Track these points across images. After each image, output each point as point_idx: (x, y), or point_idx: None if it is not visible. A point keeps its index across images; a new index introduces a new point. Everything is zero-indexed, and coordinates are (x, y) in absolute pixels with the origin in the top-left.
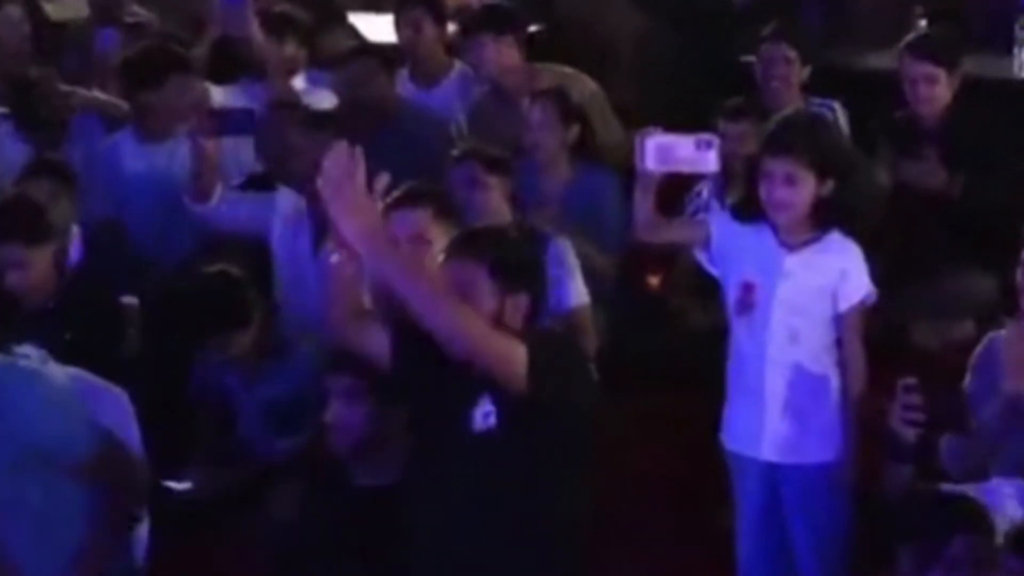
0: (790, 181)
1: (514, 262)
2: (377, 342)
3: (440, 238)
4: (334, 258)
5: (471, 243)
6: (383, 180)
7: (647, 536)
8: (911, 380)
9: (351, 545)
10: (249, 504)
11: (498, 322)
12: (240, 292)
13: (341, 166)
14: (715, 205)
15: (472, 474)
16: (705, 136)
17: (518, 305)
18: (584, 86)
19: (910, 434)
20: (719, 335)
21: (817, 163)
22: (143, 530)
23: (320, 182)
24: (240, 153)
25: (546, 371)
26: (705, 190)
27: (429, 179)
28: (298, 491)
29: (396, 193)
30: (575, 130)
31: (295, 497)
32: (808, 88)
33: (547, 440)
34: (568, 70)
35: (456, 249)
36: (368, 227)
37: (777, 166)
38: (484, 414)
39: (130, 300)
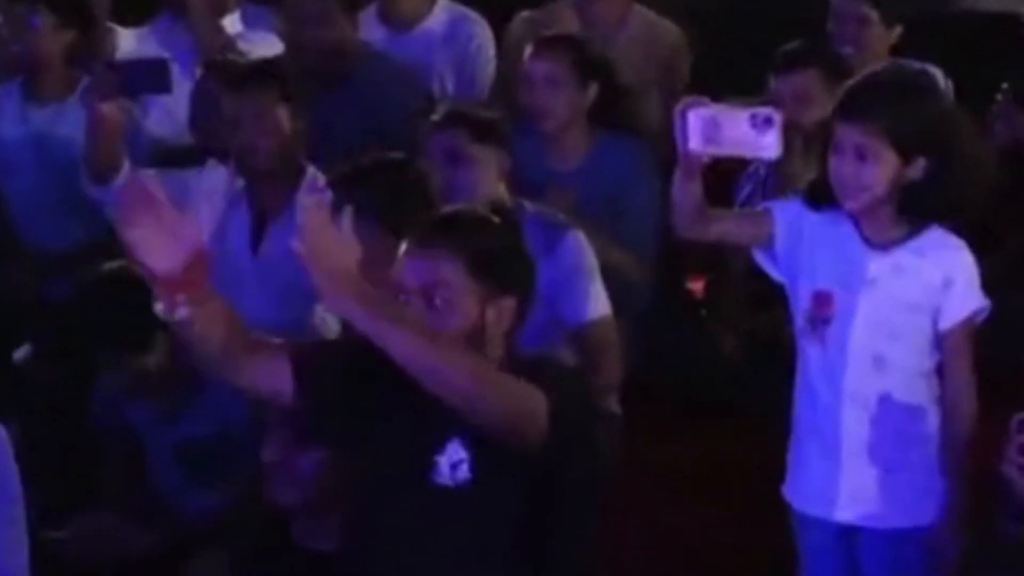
0: (861, 155)
1: (500, 255)
2: (275, 378)
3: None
4: (156, 306)
5: (443, 231)
6: (318, 182)
7: None
8: None
9: None
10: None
11: (478, 335)
12: (142, 299)
13: (318, 219)
14: (772, 190)
15: (435, 545)
16: (764, 111)
17: (503, 311)
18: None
19: None
20: (781, 360)
21: (901, 135)
22: None
23: (298, 234)
24: (151, 118)
25: (567, 429)
26: (762, 169)
27: (400, 151)
28: (223, 560)
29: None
30: (593, 89)
31: (220, 568)
32: (899, 50)
33: (541, 501)
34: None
35: (423, 238)
36: (342, 283)
37: (846, 135)
38: (453, 464)
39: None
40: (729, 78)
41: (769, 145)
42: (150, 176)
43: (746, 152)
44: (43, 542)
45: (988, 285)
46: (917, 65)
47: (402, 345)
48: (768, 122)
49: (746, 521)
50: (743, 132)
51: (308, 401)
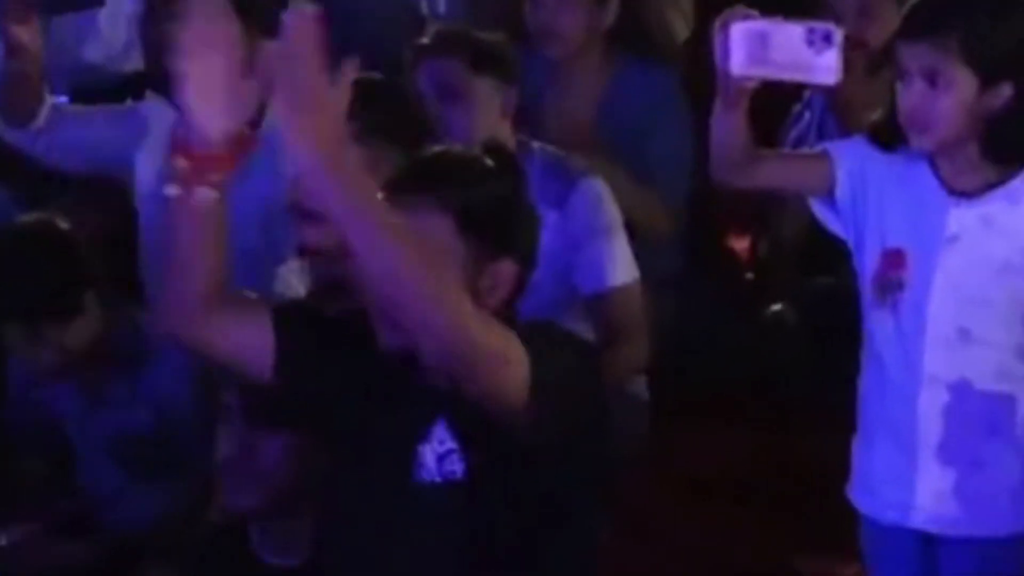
0: (931, 80)
1: (497, 210)
2: (250, 344)
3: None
4: (170, 190)
5: (426, 177)
6: (351, 66)
7: None
8: None
9: None
10: None
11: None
12: (65, 259)
13: (301, 32)
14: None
15: (426, 550)
16: (823, 25)
17: (500, 276)
18: None
19: None
20: (845, 336)
21: (980, 53)
22: None
23: (269, 53)
24: (83, 44)
25: (554, 399)
26: (817, 101)
27: (383, 78)
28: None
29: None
30: (613, 8)
31: None
32: None
33: (537, 499)
34: None
35: (403, 186)
36: (324, 131)
37: (912, 57)
38: (440, 454)
39: None
40: None
41: (828, 67)
42: (77, 110)
43: (800, 76)
44: None
45: None
46: None
47: (376, 237)
48: (827, 39)
49: (798, 539)
50: (797, 51)
51: (285, 372)
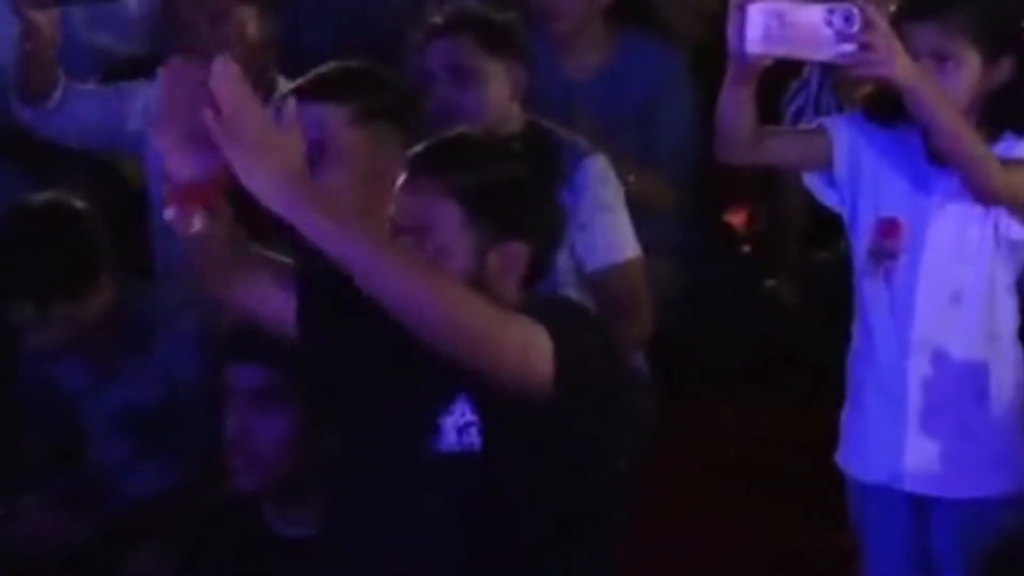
0: (941, 59)
1: (506, 193)
2: (271, 300)
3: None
4: (166, 213)
5: (435, 162)
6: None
7: None
8: None
9: None
10: (104, 564)
11: (477, 286)
12: (78, 237)
13: (230, 88)
14: (827, 104)
15: (439, 518)
16: (843, 5)
17: (509, 259)
18: None
19: None
20: (843, 309)
21: (985, 31)
22: None
23: (206, 115)
24: (95, 29)
25: (577, 381)
26: (814, 80)
27: (384, 60)
28: (170, 553)
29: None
30: None
31: (165, 562)
32: None
33: (554, 471)
34: None
35: (412, 171)
36: (284, 170)
37: (920, 37)
38: (460, 426)
39: None
40: None
41: (847, 46)
42: (89, 90)
43: (817, 55)
44: None
45: None
46: None
47: (372, 264)
48: (848, 20)
49: (799, 513)
50: (815, 30)
51: (306, 333)
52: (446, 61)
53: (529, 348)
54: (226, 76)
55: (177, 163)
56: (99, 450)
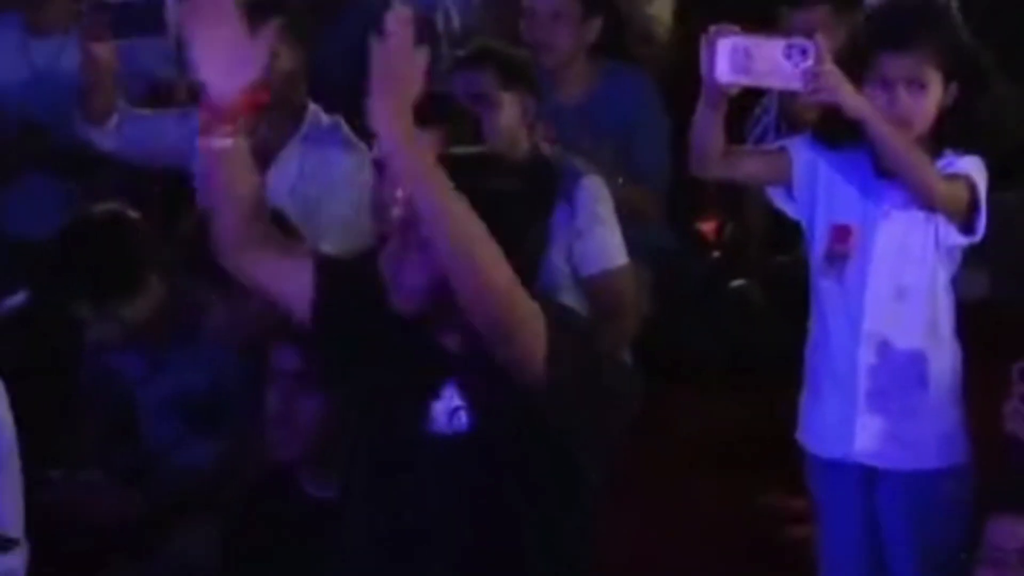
0: (919, 85)
1: (494, 209)
2: (287, 279)
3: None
4: (198, 140)
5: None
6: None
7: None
8: None
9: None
10: (155, 538)
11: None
12: (131, 242)
13: (400, 33)
14: (785, 128)
15: (431, 492)
16: (799, 41)
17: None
18: None
19: None
20: (803, 305)
21: (946, 60)
22: (16, 561)
23: (378, 44)
24: (144, 58)
25: (563, 371)
26: (774, 106)
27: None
28: (212, 528)
29: None
30: (597, 23)
31: (212, 527)
32: None
33: (540, 451)
34: None
35: None
36: (405, 109)
37: (896, 67)
38: (450, 411)
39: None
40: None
41: (803, 76)
42: (145, 113)
43: (776, 83)
44: (34, 485)
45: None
46: None
47: (434, 204)
48: (803, 53)
49: (762, 482)
50: (776, 62)
51: (321, 315)
52: (468, 89)
53: (537, 332)
54: (400, 21)
55: (214, 74)
56: (152, 431)
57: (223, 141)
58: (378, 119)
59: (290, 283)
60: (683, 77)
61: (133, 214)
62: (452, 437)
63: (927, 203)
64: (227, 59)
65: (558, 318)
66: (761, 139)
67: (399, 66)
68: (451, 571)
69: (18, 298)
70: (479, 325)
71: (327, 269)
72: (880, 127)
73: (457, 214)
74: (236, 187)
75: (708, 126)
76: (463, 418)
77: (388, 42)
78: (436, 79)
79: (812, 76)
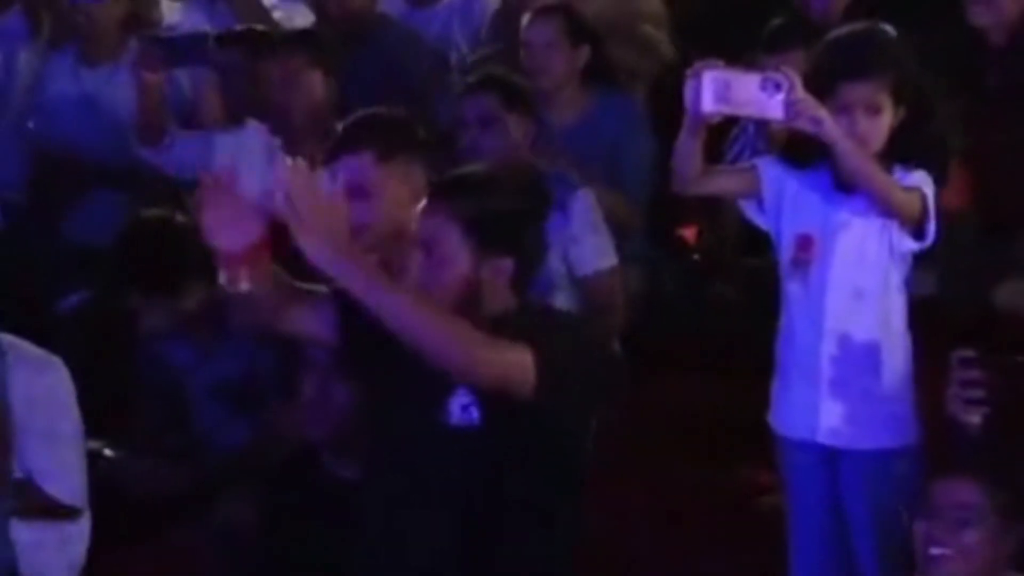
0: (875, 110)
1: (495, 217)
2: (307, 325)
3: (391, 185)
4: (221, 279)
5: (447, 191)
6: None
7: (682, 540)
8: (968, 352)
9: (320, 543)
10: (202, 505)
11: (472, 290)
12: (178, 245)
13: (300, 181)
14: (760, 147)
15: (449, 475)
16: (774, 75)
17: (498, 270)
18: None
19: (974, 419)
20: (773, 302)
21: (896, 85)
22: (81, 528)
23: (278, 197)
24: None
25: (557, 379)
26: (751, 128)
27: (415, 113)
28: (255, 491)
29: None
30: (585, 51)
31: (251, 497)
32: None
33: (542, 441)
34: None
35: (430, 198)
36: (329, 234)
37: (854, 94)
38: (462, 405)
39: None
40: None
41: (776, 107)
42: (193, 134)
43: (754, 113)
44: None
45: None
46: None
47: (393, 310)
48: (777, 87)
49: (735, 459)
50: (753, 94)
51: (346, 341)
52: (475, 112)
53: (507, 367)
54: (295, 171)
55: (220, 238)
56: (199, 415)
57: (243, 285)
58: (308, 253)
59: (316, 327)
60: (676, 101)
61: (181, 218)
62: (465, 428)
63: (886, 212)
64: (231, 225)
65: (547, 325)
66: (738, 157)
67: (308, 209)
68: (457, 548)
69: (77, 297)
70: (455, 377)
71: (347, 298)
72: (847, 147)
73: (405, 312)
74: (263, 305)
75: (688, 152)
76: (474, 413)
77: (291, 187)
78: (448, 104)
79: (790, 106)
